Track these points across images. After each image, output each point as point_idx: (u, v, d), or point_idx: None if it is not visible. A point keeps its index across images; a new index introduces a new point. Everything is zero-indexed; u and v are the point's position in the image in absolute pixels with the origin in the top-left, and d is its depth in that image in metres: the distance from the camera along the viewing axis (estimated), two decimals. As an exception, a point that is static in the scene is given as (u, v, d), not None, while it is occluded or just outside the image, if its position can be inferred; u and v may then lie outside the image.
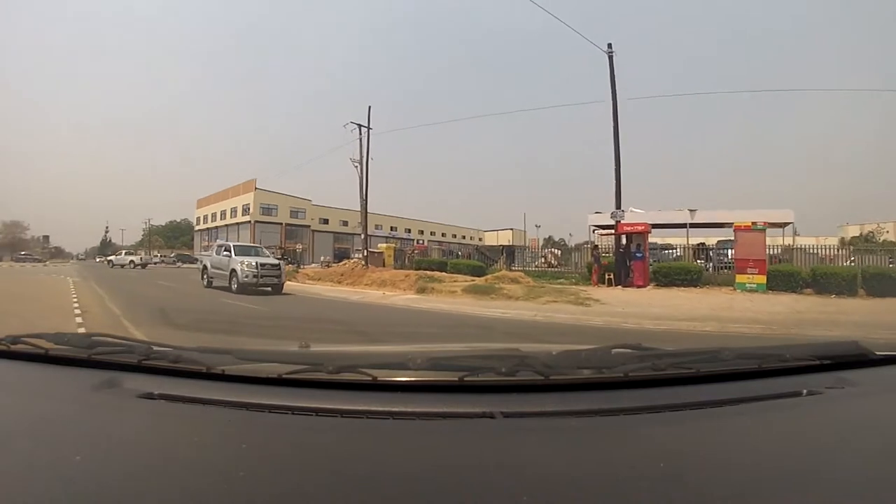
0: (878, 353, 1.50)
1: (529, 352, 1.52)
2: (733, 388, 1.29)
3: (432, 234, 75.96)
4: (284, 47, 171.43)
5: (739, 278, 15.78)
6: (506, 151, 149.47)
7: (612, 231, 19.27)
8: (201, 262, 20.46)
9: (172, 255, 61.79)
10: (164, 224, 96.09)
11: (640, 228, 18.09)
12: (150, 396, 1.17)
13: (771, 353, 1.50)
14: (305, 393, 1.18)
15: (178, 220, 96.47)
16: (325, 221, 65.33)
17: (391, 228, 71.74)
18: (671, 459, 0.90)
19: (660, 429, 1.06)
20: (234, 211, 63.56)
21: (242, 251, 18.08)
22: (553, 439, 0.99)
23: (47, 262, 57.66)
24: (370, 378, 1.21)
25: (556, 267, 25.23)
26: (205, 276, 19.30)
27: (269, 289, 16.93)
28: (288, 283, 19.52)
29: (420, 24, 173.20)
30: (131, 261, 44.94)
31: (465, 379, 1.21)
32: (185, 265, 49.08)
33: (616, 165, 18.51)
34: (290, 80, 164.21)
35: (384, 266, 26.85)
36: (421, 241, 54.56)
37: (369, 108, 29.18)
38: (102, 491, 0.79)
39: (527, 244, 36.96)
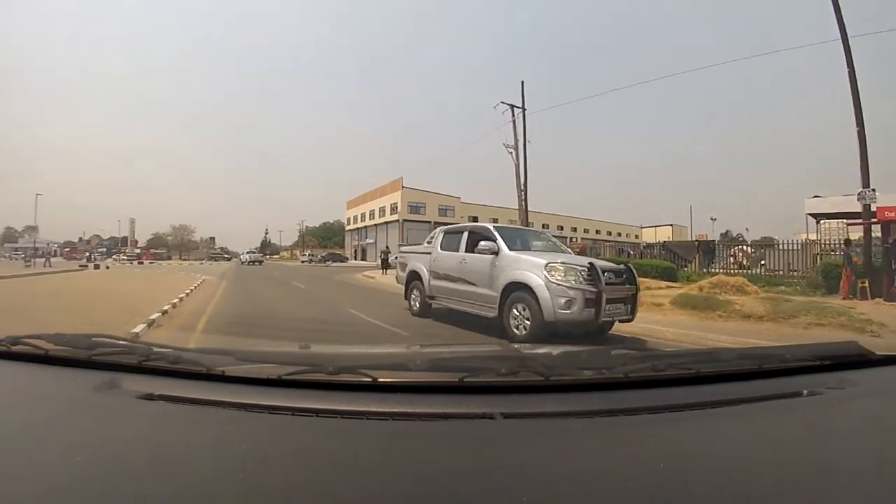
0: (878, 353, 1.54)
1: (530, 353, 1.64)
2: (733, 388, 1.32)
3: (585, 231, 73.24)
4: (430, 43, 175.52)
5: None
6: (656, 140, 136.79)
7: (847, 220, 14.05)
8: (402, 263, 11.45)
9: (323, 253, 67.99)
10: (317, 225, 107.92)
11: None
12: (150, 397, 1.20)
13: (771, 354, 1.54)
14: (306, 394, 1.20)
15: (331, 222, 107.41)
16: (475, 220, 63.13)
17: (542, 226, 68.24)
18: (671, 460, 0.94)
19: (660, 429, 1.09)
20: (381, 210, 67.12)
21: (519, 240, 8.69)
22: (553, 440, 1.03)
23: (231, 259, 70.72)
24: (370, 379, 1.24)
25: (749, 268, 20.70)
26: (413, 294, 10.44)
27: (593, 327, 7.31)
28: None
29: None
30: (248, 258, 54.20)
31: (466, 380, 1.24)
32: (334, 264, 54.02)
33: (858, 127, 13.99)
34: (435, 73, 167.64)
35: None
36: (575, 239, 50.09)
37: (522, 84, 26.36)
38: (103, 492, 0.82)
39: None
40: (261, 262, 54.66)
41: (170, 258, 77.94)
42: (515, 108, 26.30)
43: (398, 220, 60.63)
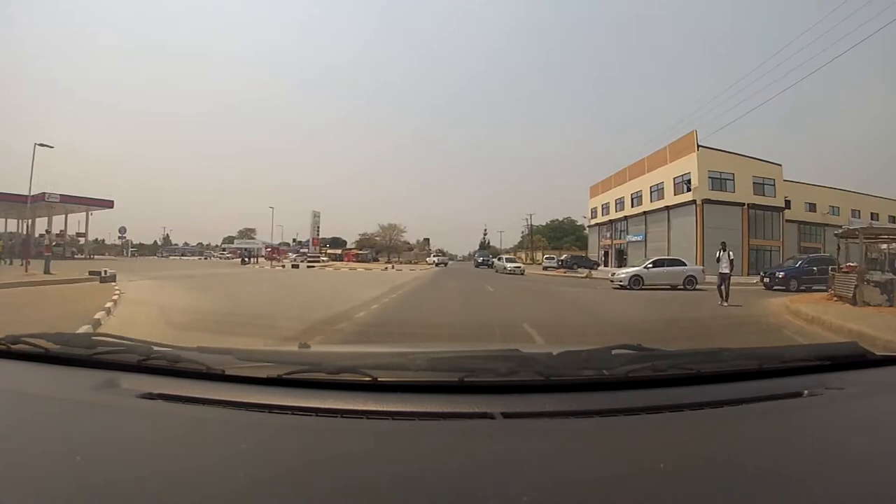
0: (877, 353, 1.63)
1: (530, 353, 1.68)
2: (734, 388, 1.40)
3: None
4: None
5: None
6: None
7: None
8: None
9: (563, 256, 57.80)
10: (544, 224, 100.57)
11: None
12: (149, 396, 1.30)
13: (771, 354, 1.65)
14: (306, 393, 1.30)
15: (560, 219, 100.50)
16: (786, 205, 38.09)
17: (892, 219, 45.40)
18: (671, 460, 0.99)
19: (660, 429, 1.16)
20: (656, 190, 50.71)
21: None
22: (553, 440, 1.10)
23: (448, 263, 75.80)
24: (370, 378, 1.33)
25: None
26: None
27: None
28: None
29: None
30: (435, 261, 61.90)
31: (466, 379, 1.33)
32: (583, 271, 41.60)
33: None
34: None
35: None
36: None
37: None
38: (102, 491, 0.88)
39: None
40: (445, 263, 61.97)
41: (376, 259, 76.96)
42: None
43: (693, 202, 40.97)
